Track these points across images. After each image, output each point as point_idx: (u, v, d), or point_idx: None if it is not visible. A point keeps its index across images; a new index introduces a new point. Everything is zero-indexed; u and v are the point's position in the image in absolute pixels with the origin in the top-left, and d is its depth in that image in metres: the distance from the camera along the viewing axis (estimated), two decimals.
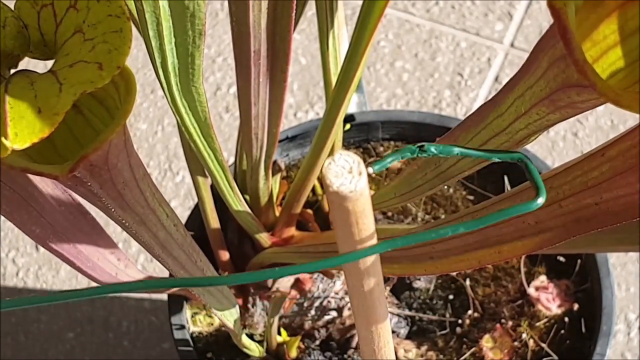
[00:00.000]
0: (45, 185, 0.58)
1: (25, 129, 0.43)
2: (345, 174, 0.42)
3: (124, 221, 0.56)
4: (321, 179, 0.43)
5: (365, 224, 0.46)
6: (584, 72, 0.40)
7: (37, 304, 0.47)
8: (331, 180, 0.42)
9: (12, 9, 0.49)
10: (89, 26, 0.46)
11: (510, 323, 0.90)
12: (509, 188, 0.96)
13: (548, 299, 0.91)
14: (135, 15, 0.66)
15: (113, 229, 1.20)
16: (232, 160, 0.90)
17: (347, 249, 0.48)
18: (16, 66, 0.49)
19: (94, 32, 0.45)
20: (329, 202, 0.44)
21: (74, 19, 0.47)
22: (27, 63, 0.49)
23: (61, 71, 0.45)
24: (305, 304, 0.90)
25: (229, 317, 0.77)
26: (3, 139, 0.42)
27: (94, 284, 0.72)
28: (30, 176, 0.57)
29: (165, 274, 0.85)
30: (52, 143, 0.54)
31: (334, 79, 0.81)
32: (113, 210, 0.55)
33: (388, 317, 0.56)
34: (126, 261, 0.71)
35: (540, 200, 0.44)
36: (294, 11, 0.62)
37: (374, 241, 0.49)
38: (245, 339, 0.85)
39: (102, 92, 0.45)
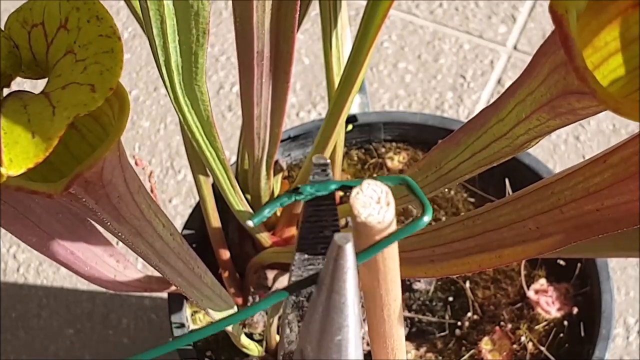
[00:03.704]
0: (42, 197, 0.58)
1: (20, 155, 0.43)
2: (374, 204, 0.42)
3: (120, 234, 0.56)
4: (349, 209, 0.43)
5: (391, 252, 0.46)
6: (584, 80, 0.40)
7: None
8: (359, 211, 0.42)
9: (2, 29, 0.49)
10: (80, 47, 0.46)
11: (509, 326, 0.90)
12: (510, 191, 0.97)
13: (547, 302, 0.91)
14: (140, 13, 0.66)
15: None
16: (234, 159, 0.90)
17: (371, 276, 0.48)
18: (9, 86, 0.49)
19: (85, 52, 0.45)
20: (355, 231, 0.43)
21: (65, 39, 0.46)
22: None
23: (54, 93, 0.45)
24: None
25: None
26: None
27: (94, 284, 0.72)
28: None
29: None
30: (46, 158, 0.54)
31: (336, 79, 0.81)
32: (109, 223, 0.54)
33: (403, 319, 0.56)
34: (125, 263, 0.71)
35: (427, 219, 0.44)
36: (298, 11, 0.63)
37: (398, 269, 0.49)
38: (244, 339, 0.85)
39: (97, 109, 0.44)
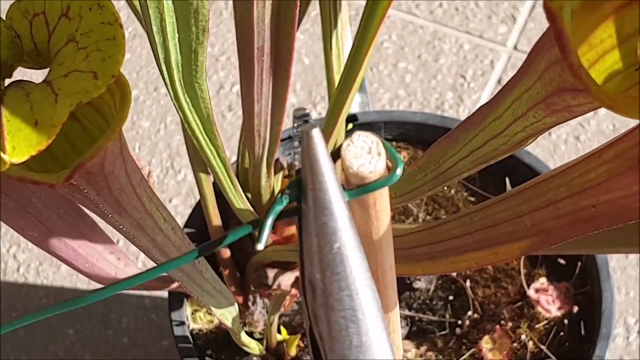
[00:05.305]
0: (43, 190, 0.58)
1: (22, 142, 0.43)
2: (365, 154, 0.42)
3: (121, 226, 0.56)
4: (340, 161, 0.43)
5: (383, 204, 0.46)
6: (578, 76, 0.40)
7: (34, 320, 0.48)
8: (351, 162, 0.42)
9: (4, 18, 0.49)
10: (82, 34, 0.46)
11: (509, 324, 0.90)
12: (510, 189, 0.97)
13: (548, 301, 0.91)
14: (139, 11, 0.66)
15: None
16: (234, 159, 0.90)
17: (365, 229, 0.47)
18: (10, 76, 0.49)
19: (87, 40, 0.45)
20: (347, 184, 0.43)
21: (66, 28, 0.47)
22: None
23: (56, 81, 0.45)
24: None
25: (228, 316, 0.77)
26: (1, 153, 0.42)
27: (94, 282, 0.72)
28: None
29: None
30: (48, 149, 0.55)
31: (337, 78, 0.81)
32: (110, 215, 0.55)
33: (397, 303, 0.55)
34: (126, 260, 0.71)
35: (399, 171, 0.43)
36: (298, 8, 0.63)
37: (388, 222, 0.48)
38: (245, 337, 0.85)
39: (98, 99, 0.45)
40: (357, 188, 0.43)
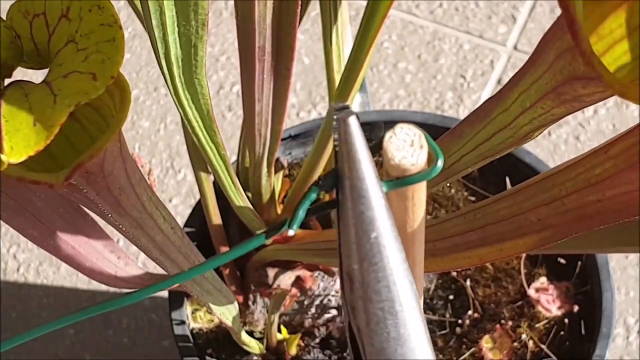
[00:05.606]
0: (43, 190, 0.58)
1: (21, 142, 0.43)
2: (407, 147, 0.42)
3: (121, 226, 0.56)
4: (381, 153, 0.42)
5: (420, 198, 0.45)
6: (591, 64, 0.40)
7: (39, 333, 0.48)
8: (393, 154, 0.42)
9: (4, 19, 0.49)
10: (81, 36, 0.46)
11: (510, 324, 0.90)
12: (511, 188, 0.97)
13: (548, 301, 0.91)
14: (140, 8, 0.66)
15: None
16: (234, 159, 0.90)
17: (401, 222, 0.46)
18: (10, 76, 0.49)
19: (87, 41, 0.46)
20: (387, 175, 0.43)
21: (66, 29, 0.47)
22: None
23: (55, 82, 0.45)
24: (306, 302, 0.90)
25: (228, 315, 0.77)
26: None
27: (95, 282, 0.72)
28: None
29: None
30: (47, 149, 0.55)
31: (337, 77, 0.81)
32: (110, 215, 0.55)
33: (423, 297, 0.54)
34: (126, 259, 0.71)
35: (440, 163, 0.43)
36: (300, 7, 0.63)
37: (423, 216, 0.48)
38: (245, 336, 0.85)
39: (98, 100, 0.45)
40: (396, 180, 0.43)
